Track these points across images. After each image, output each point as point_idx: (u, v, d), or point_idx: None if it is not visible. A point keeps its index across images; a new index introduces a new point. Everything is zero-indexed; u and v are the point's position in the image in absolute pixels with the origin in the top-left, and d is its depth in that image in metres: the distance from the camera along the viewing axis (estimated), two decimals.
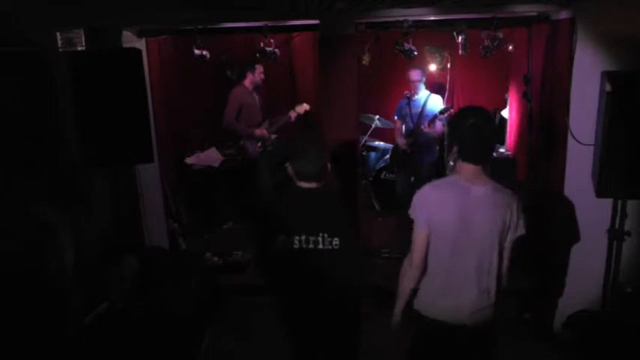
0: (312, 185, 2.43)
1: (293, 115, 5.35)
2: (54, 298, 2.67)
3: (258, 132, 5.29)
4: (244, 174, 5.44)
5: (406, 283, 2.36)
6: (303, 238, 2.39)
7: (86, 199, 3.70)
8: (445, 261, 2.26)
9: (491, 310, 2.29)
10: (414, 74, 5.12)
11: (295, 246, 2.40)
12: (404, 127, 5.36)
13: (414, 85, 5.13)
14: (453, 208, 2.21)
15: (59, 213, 2.76)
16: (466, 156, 2.24)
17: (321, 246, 2.37)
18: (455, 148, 2.28)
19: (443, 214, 2.23)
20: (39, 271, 2.63)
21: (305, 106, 5.38)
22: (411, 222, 2.32)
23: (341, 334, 2.53)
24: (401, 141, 5.32)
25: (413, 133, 5.16)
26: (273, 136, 5.48)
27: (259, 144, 5.34)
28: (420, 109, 5.13)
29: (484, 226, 2.21)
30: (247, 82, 5.27)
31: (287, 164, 2.46)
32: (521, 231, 2.28)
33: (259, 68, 5.26)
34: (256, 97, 5.35)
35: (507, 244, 2.28)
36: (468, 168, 2.24)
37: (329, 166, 2.47)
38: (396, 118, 5.45)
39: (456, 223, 2.21)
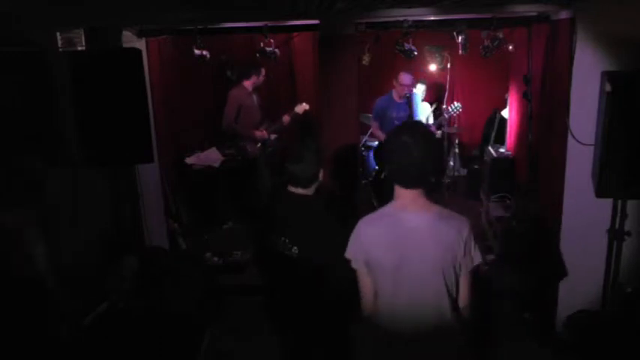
0: (299, 190, 2.44)
1: (286, 119, 5.31)
2: (35, 301, 2.64)
3: (258, 134, 5.27)
4: (244, 174, 5.43)
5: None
6: (273, 237, 2.44)
7: (85, 199, 3.69)
8: (392, 306, 1.97)
9: (454, 352, 2.01)
10: (406, 78, 5.05)
11: (270, 244, 2.46)
12: (384, 129, 5.22)
13: (404, 89, 5.07)
14: (386, 244, 1.93)
15: (22, 215, 2.71)
16: (395, 177, 1.97)
17: (280, 249, 2.40)
18: (386, 169, 1.99)
19: (378, 252, 1.94)
20: (11, 274, 2.61)
21: (304, 106, 5.35)
22: None
23: (317, 338, 2.55)
24: None
25: None
26: (273, 136, 5.48)
27: (259, 144, 5.33)
28: (407, 112, 5.08)
29: (426, 262, 1.90)
30: (248, 84, 5.26)
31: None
32: (477, 259, 1.98)
33: (264, 71, 5.27)
34: (255, 98, 5.34)
35: (463, 276, 1.98)
36: (401, 193, 1.97)
37: (321, 174, 2.45)
38: (373, 119, 5.34)
39: (392, 261, 1.91)
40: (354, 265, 2.04)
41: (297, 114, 5.35)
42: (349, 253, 2.05)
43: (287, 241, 2.38)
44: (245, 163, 5.40)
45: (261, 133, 5.29)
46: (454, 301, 1.99)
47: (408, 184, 1.94)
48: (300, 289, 2.44)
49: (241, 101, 5.19)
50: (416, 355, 1.99)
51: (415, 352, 1.99)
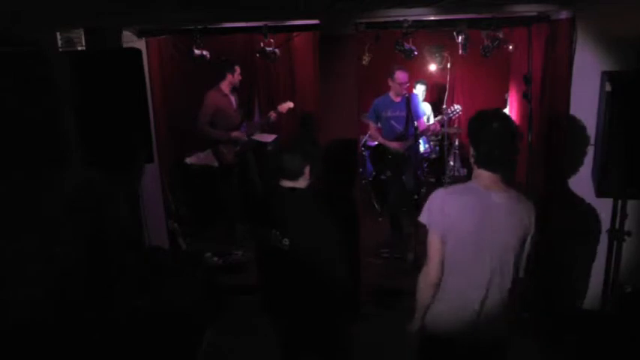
0: (289, 184, 2.46)
1: (273, 116, 5.17)
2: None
3: (234, 134, 5.08)
4: (223, 180, 5.28)
5: (424, 293, 2.19)
6: (265, 231, 2.46)
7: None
8: (464, 271, 2.12)
9: (506, 322, 2.20)
10: (403, 76, 4.92)
11: (263, 238, 2.49)
12: (382, 129, 5.11)
13: (402, 87, 4.95)
14: (473, 214, 2.08)
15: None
16: (483, 162, 2.10)
17: (273, 243, 2.42)
18: (472, 153, 2.13)
19: (462, 221, 2.08)
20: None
21: (288, 104, 5.21)
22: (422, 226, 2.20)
23: (314, 333, 2.55)
24: (396, 144, 4.98)
25: (406, 136, 4.96)
26: (272, 137, 5.45)
27: (237, 147, 5.15)
28: (405, 112, 4.99)
29: (506, 234, 2.08)
30: (224, 85, 5.07)
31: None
32: (536, 236, 2.18)
33: (238, 69, 5.08)
34: (232, 100, 5.15)
35: (527, 251, 2.18)
36: (485, 175, 2.11)
37: (307, 169, 2.46)
38: (369, 119, 5.15)
39: (477, 230, 2.07)
40: (431, 227, 2.15)
41: (281, 113, 5.21)
42: (428, 221, 2.15)
43: (278, 233, 2.39)
44: (221, 169, 5.19)
45: (238, 134, 5.10)
46: (514, 279, 2.16)
47: (495, 169, 2.09)
48: (291, 282, 2.46)
49: (217, 104, 4.99)
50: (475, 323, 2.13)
51: (475, 322, 2.13)
